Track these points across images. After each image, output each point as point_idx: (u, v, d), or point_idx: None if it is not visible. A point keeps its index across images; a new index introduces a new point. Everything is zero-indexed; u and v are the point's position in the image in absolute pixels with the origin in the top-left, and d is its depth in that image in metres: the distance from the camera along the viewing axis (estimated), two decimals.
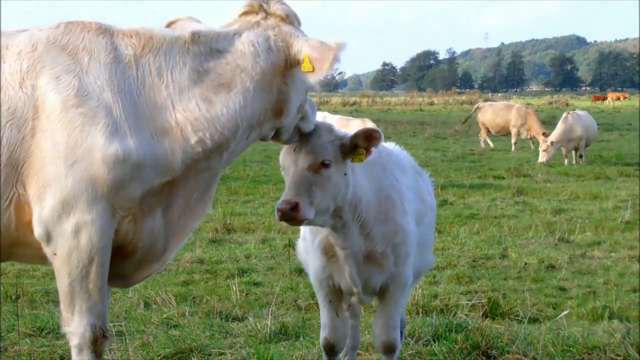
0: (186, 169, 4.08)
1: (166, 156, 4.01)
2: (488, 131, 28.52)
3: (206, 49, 4.14)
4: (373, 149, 4.76)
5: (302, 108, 4.40)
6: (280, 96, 4.19)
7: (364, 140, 4.74)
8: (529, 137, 27.43)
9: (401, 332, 5.71)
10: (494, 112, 28.33)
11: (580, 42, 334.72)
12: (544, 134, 24.22)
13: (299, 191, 4.55)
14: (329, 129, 4.72)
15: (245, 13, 4.27)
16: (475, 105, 30.73)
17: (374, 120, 20.08)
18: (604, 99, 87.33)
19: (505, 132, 28.26)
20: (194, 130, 4.05)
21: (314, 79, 4.16)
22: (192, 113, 4.05)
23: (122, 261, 4.15)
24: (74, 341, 4.07)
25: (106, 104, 3.94)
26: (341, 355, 5.43)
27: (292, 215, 4.49)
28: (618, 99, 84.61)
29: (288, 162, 4.66)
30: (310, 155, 4.61)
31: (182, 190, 4.15)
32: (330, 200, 4.66)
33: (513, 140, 27.76)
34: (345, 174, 4.73)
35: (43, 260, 4.06)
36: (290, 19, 4.24)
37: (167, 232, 4.19)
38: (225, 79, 4.11)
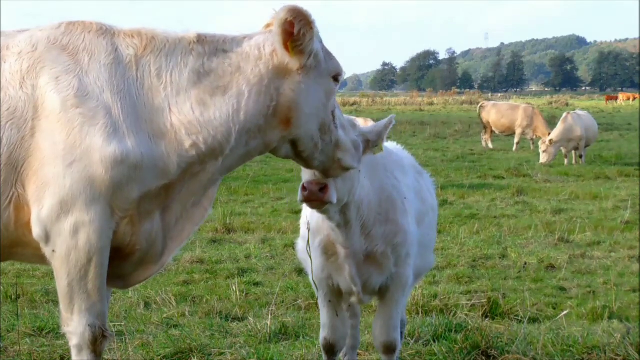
0: (182, 172, 4.04)
1: (163, 159, 3.99)
2: (492, 131, 28.45)
3: (212, 48, 4.09)
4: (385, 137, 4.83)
5: (326, 127, 4.19)
6: (283, 102, 4.06)
7: (386, 131, 4.80)
8: (534, 137, 27.31)
9: (401, 333, 5.71)
10: (499, 112, 28.23)
11: (580, 42, 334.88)
12: (549, 136, 24.08)
13: (334, 180, 4.50)
14: (353, 123, 4.67)
15: (269, 25, 4.21)
16: (479, 104, 30.63)
17: (374, 120, 20.07)
18: (616, 98, 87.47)
19: (510, 132, 28.18)
20: (188, 133, 4.00)
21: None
22: (186, 116, 4.00)
23: (120, 263, 4.14)
24: (73, 341, 4.06)
25: (105, 105, 3.93)
26: (341, 355, 5.43)
27: (319, 196, 4.44)
28: (629, 99, 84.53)
29: None
30: None
31: (179, 194, 4.12)
32: (346, 192, 4.64)
33: (516, 140, 27.69)
34: (359, 171, 4.73)
35: (43, 260, 4.05)
36: None
37: (164, 235, 4.18)
38: (224, 82, 4.05)
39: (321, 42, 4.15)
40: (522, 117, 27.48)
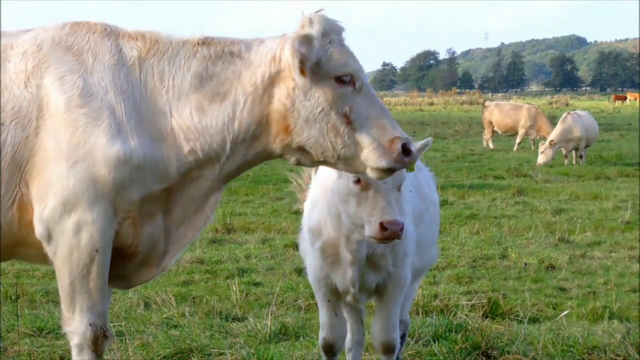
0: (181, 177, 4.05)
1: (164, 161, 4.00)
2: (493, 131, 28.40)
3: (218, 52, 4.06)
4: None
5: (337, 131, 3.95)
6: (278, 109, 3.98)
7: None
8: (537, 137, 27.23)
9: (404, 335, 5.72)
10: (501, 112, 28.14)
11: (580, 42, 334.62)
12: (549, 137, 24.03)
13: (398, 211, 4.51)
14: None
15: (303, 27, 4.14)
16: (483, 104, 30.60)
17: None
18: (624, 98, 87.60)
19: (513, 133, 28.11)
20: (186, 139, 4.00)
21: (296, 78, 3.92)
22: (185, 121, 4.00)
23: (122, 263, 4.16)
24: (74, 340, 4.07)
25: (109, 105, 3.95)
26: (345, 350, 5.43)
27: (398, 235, 4.46)
28: (635, 99, 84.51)
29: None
30: (399, 173, 4.43)
31: (180, 199, 4.12)
32: None
33: (518, 140, 27.63)
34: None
35: (45, 259, 4.07)
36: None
37: (166, 238, 4.18)
38: (224, 88, 4.02)
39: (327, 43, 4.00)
40: (526, 118, 27.42)
